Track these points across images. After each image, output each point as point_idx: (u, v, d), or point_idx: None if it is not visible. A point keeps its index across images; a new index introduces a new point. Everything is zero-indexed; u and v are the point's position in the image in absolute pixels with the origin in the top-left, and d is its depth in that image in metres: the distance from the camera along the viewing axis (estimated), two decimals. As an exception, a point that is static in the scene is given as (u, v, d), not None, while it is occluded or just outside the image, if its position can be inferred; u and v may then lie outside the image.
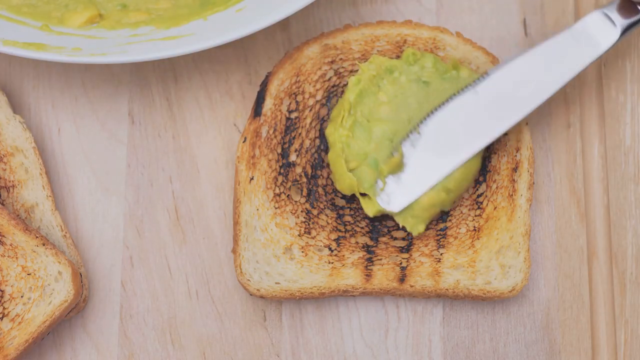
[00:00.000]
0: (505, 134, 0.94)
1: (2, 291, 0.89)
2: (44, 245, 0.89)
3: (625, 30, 0.92)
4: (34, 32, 0.93)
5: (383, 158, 0.91)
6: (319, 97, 0.96)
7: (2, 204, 0.92)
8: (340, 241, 0.93)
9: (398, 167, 0.90)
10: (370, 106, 0.92)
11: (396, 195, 0.91)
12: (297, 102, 0.95)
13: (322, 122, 0.95)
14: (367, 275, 0.91)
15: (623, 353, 0.93)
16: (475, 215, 0.93)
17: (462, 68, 0.94)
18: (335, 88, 0.96)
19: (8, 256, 0.89)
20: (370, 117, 0.92)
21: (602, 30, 0.92)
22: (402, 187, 0.91)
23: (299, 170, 0.94)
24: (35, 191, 0.93)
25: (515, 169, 0.94)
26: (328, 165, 0.94)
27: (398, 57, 0.96)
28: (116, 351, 0.93)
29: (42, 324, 0.87)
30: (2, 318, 0.88)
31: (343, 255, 0.92)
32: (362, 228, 0.93)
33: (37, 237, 0.89)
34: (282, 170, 0.94)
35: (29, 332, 0.87)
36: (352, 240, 0.93)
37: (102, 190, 0.96)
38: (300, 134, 0.95)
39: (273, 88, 0.95)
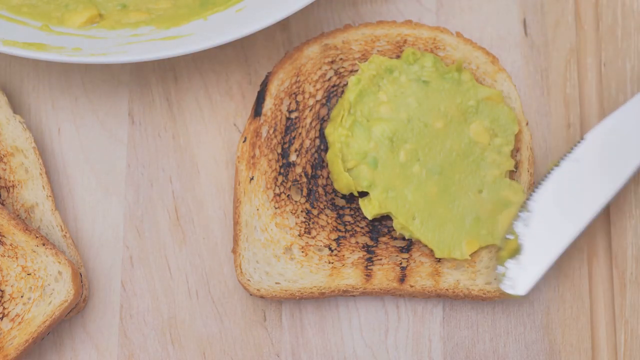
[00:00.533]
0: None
1: (2, 291, 0.89)
2: (44, 245, 0.89)
3: None
4: (34, 32, 0.93)
5: (382, 157, 0.91)
6: (319, 97, 0.96)
7: (2, 204, 0.92)
8: (340, 241, 0.93)
9: (516, 251, 0.90)
10: (370, 106, 0.92)
11: (520, 278, 0.89)
12: (297, 102, 0.95)
13: (322, 122, 0.95)
14: (367, 275, 0.91)
15: (623, 353, 0.93)
16: (475, 215, 0.93)
17: (465, 71, 0.94)
18: (335, 88, 0.96)
19: (8, 256, 0.89)
20: (369, 116, 0.92)
21: None
22: (524, 269, 0.89)
23: (299, 170, 0.94)
24: (35, 191, 0.93)
25: (515, 169, 0.94)
26: (328, 165, 0.94)
27: (398, 57, 0.96)
28: (116, 351, 0.93)
29: (42, 324, 0.87)
30: (2, 318, 0.88)
31: (343, 255, 0.92)
32: (362, 228, 0.93)
33: (37, 237, 0.89)
34: (282, 170, 0.94)
35: (29, 332, 0.87)
36: (352, 240, 0.93)
37: (102, 190, 0.96)
38: (300, 134, 0.95)
39: (273, 88, 0.95)
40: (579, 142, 0.92)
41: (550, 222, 0.90)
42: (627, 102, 0.92)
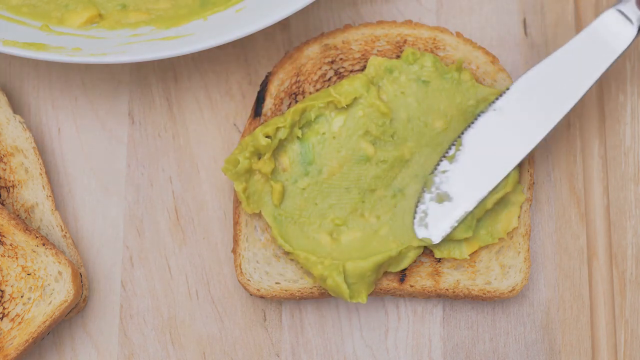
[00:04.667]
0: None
1: (2, 291, 0.89)
2: (44, 245, 0.89)
3: None
4: (34, 32, 0.93)
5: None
6: (319, 97, 0.96)
7: (2, 204, 0.92)
8: (340, 241, 0.93)
9: (443, 197, 0.90)
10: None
11: (438, 224, 0.90)
12: (297, 102, 0.95)
13: (322, 122, 0.95)
14: (367, 275, 0.91)
15: (623, 353, 0.93)
16: (475, 215, 0.93)
17: (465, 71, 0.94)
18: (335, 88, 0.96)
19: (8, 256, 0.89)
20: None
21: (618, 28, 0.91)
22: (445, 216, 0.90)
23: (299, 170, 0.94)
24: (35, 191, 0.93)
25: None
26: (328, 165, 0.94)
27: (398, 57, 0.96)
28: (116, 351, 0.93)
29: (42, 324, 0.87)
30: (2, 318, 0.88)
31: (343, 255, 0.92)
32: (362, 228, 0.94)
33: (37, 237, 0.89)
34: (282, 170, 0.94)
35: (29, 332, 0.87)
36: (352, 240, 0.93)
37: (102, 190, 0.96)
38: (300, 134, 0.95)
39: (273, 88, 0.95)
40: (503, 92, 0.92)
41: (473, 174, 0.90)
42: (553, 54, 0.92)
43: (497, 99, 0.92)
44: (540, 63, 0.91)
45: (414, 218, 0.90)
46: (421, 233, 0.90)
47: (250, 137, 0.90)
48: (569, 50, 0.91)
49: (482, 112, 0.92)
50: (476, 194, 0.90)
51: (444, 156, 0.91)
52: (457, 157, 0.90)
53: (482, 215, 0.91)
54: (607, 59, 0.91)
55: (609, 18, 0.91)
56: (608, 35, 0.91)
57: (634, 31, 0.91)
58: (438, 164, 0.91)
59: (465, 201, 0.90)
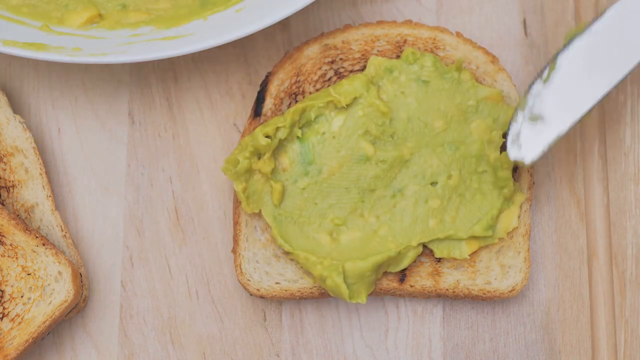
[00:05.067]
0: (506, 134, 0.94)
1: (2, 291, 0.89)
2: (44, 245, 0.89)
3: None
4: (34, 32, 0.93)
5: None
6: (319, 97, 0.96)
7: (2, 204, 0.92)
8: (340, 241, 0.93)
9: (537, 117, 0.89)
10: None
11: (530, 145, 0.88)
12: (297, 102, 0.95)
13: (322, 122, 0.95)
14: (367, 275, 0.91)
15: (623, 353, 0.93)
16: (475, 215, 0.93)
17: (465, 71, 0.94)
18: (335, 88, 0.96)
19: (8, 256, 0.89)
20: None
21: None
22: (538, 135, 0.88)
23: (299, 170, 0.94)
24: (35, 191, 0.93)
25: (515, 169, 0.94)
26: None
27: (398, 57, 0.96)
28: (116, 351, 0.93)
29: (42, 324, 0.87)
30: (2, 318, 0.88)
31: (343, 255, 0.92)
32: (362, 228, 0.94)
33: (37, 237, 0.89)
34: (282, 170, 0.94)
35: (29, 332, 0.87)
36: (352, 240, 0.93)
37: (102, 190, 0.96)
38: (300, 134, 0.95)
39: (273, 88, 0.95)
40: (600, 16, 0.90)
41: (567, 96, 0.89)
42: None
43: (593, 22, 0.90)
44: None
45: (506, 139, 0.89)
46: (514, 153, 0.89)
47: (250, 137, 0.90)
48: None
49: (578, 34, 0.90)
50: (570, 115, 0.88)
51: (539, 77, 0.89)
52: (551, 78, 0.89)
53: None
54: None
55: None
56: None
57: None
58: (531, 86, 0.89)
59: (558, 122, 0.88)
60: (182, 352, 0.93)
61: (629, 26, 0.89)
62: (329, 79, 0.95)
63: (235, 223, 0.92)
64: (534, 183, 0.94)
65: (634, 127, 0.98)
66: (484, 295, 0.91)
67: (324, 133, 0.92)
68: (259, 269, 0.91)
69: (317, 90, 0.95)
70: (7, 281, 0.89)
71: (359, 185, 0.91)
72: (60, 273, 0.88)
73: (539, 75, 0.89)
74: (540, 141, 0.89)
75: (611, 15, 0.90)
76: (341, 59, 0.96)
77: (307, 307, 0.94)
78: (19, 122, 0.94)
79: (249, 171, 0.91)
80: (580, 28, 0.90)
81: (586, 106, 0.89)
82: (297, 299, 0.93)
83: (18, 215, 0.92)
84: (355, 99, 0.91)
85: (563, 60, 0.90)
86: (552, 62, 0.90)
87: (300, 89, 0.95)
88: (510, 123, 0.89)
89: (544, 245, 0.95)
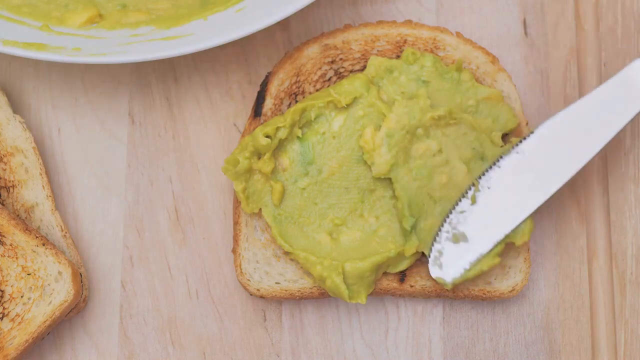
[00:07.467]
0: (506, 134, 0.94)
1: (2, 291, 0.89)
2: (44, 245, 0.89)
3: None
4: (34, 32, 0.93)
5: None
6: (319, 97, 0.96)
7: (2, 204, 0.92)
8: (340, 241, 0.93)
9: (460, 237, 0.89)
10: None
11: (452, 266, 0.89)
12: (297, 102, 0.95)
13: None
14: (367, 275, 0.91)
15: (623, 353, 0.93)
16: (475, 215, 0.93)
17: (464, 71, 0.94)
18: (335, 88, 0.96)
19: (8, 256, 0.89)
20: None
21: None
22: (460, 257, 0.89)
23: (299, 170, 0.94)
24: (35, 191, 0.93)
25: (515, 169, 0.94)
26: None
27: (398, 57, 0.96)
28: (116, 351, 0.93)
29: (42, 324, 0.87)
30: (2, 318, 0.88)
31: (343, 255, 0.92)
32: (362, 228, 0.94)
33: (37, 237, 0.89)
34: (282, 170, 0.94)
35: (29, 332, 0.87)
36: (352, 240, 0.93)
37: (102, 190, 0.96)
38: (300, 134, 0.95)
39: (273, 88, 0.95)
40: (528, 135, 0.91)
41: (492, 216, 0.89)
42: (581, 99, 0.91)
43: (520, 142, 0.91)
44: (567, 108, 0.90)
45: (429, 257, 0.89)
46: (435, 272, 0.89)
47: (250, 137, 0.90)
48: (595, 97, 0.90)
49: (504, 154, 0.91)
50: (493, 236, 0.89)
51: (464, 196, 0.90)
52: (477, 198, 0.90)
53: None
54: (634, 107, 0.90)
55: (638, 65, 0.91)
56: (637, 82, 0.90)
57: None
58: (457, 204, 0.90)
59: (481, 243, 0.89)
60: (182, 352, 0.93)
61: (556, 145, 0.90)
62: (329, 79, 0.95)
63: (235, 223, 0.92)
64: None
65: (634, 127, 0.98)
66: (484, 296, 0.91)
67: (324, 133, 0.92)
68: (259, 269, 0.91)
69: (317, 90, 0.95)
70: (7, 281, 0.89)
71: (359, 186, 0.91)
72: (60, 273, 0.88)
73: (464, 194, 0.90)
74: (461, 261, 0.89)
75: (538, 135, 0.90)
76: (341, 59, 0.96)
77: (307, 307, 0.94)
78: (19, 122, 0.94)
79: (249, 171, 0.91)
80: (507, 148, 0.91)
81: (510, 227, 0.89)
82: (297, 299, 0.93)
83: (18, 215, 0.92)
84: (355, 99, 0.91)
85: (488, 180, 0.90)
86: (475, 181, 0.90)
87: (300, 89, 0.95)
88: (432, 243, 0.89)
89: (544, 245, 0.95)
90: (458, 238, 0.89)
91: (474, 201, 0.89)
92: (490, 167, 0.90)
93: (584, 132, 0.90)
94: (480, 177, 0.90)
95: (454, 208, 0.89)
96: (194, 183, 0.96)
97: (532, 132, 0.91)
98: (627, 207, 0.96)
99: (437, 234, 0.89)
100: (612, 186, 0.97)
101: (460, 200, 0.90)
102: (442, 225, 0.89)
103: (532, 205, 0.89)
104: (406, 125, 0.90)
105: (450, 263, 0.89)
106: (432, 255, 0.89)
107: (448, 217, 0.89)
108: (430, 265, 0.89)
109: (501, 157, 0.90)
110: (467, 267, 0.89)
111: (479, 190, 0.90)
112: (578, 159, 0.90)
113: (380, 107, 0.91)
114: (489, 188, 0.89)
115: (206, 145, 0.97)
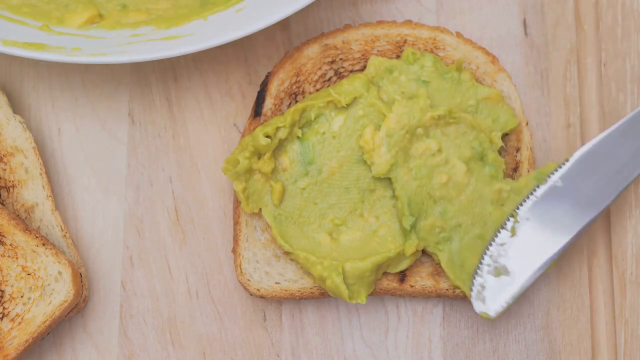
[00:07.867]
0: (506, 134, 0.94)
1: (2, 291, 0.89)
2: (44, 245, 0.89)
3: None
4: (34, 32, 0.93)
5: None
6: (319, 97, 0.96)
7: (2, 204, 0.92)
8: (340, 241, 0.93)
9: (502, 270, 0.89)
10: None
11: (495, 298, 0.89)
12: (297, 102, 0.95)
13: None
14: (367, 275, 0.91)
15: (623, 353, 0.93)
16: (475, 215, 0.93)
17: (464, 71, 0.94)
18: (335, 88, 0.96)
19: (8, 256, 0.89)
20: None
21: None
22: (502, 290, 0.88)
23: (299, 170, 0.94)
24: (35, 191, 0.93)
25: (515, 169, 0.94)
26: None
27: (398, 57, 0.96)
28: (116, 351, 0.93)
29: (42, 324, 0.87)
30: (2, 318, 0.88)
31: (343, 255, 0.92)
32: (362, 228, 0.93)
33: (37, 237, 0.89)
34: (282, 170, 0.94)
35: (29, 332, 0.87)
36: (352, 240, 0.93)
37: (102, 190, 0.96)
38: (300, 134, 0.95)
39: (273, 88, 0.95)
40: (562, 164, 0.91)
41: (531, 248, 0.89)
42: (610, 128, 0.91)
43: (555, 171, 0.91)
44: (600, 136, 0.91)
45: (471, 290, 0.89)
46: (478, 307, 0.89)
47: (250, 137, 0.90)
48: (630, 123, 0.91)
49: (540, 184, 0.90)
50: (534, 269, 0.89)
51: (503, 227, 0.89)
52: (516, 229, 0.89)
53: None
54: None
55: None
56: None
57: None
58: (496, 235, 0.89)
59: (522, 276, 0.89)
60: (182, 352, 0.93)
61: (592, 174, 0.90)
62: (329, 79, 0.95)
63: (235, 223, 0.92)
64: (534, 183, 0.94)
65: (634, 127, 0.98)
66: (484, 295, 0.91)
67: (324, 133, 0.92)
68: (259, 269, 0.91)
69: (317, 90, 0.95)
70: (7, 281, 0.89)
71: (359, 186, 0.91)
72: (60, 273, 0.88)
73: (503, 225, 0.90)
74: (504, 295, 0.89)
75: (573, 163, 0.90)
76: (341, 59, 0.96)
77: (307, 307, 0.94)
78: (19, 122, 0.94)
79: (249, 171, 0.91)
80: (542, 175, 0.91)
81: (549, 259, 0.89)
82: (297, 299, 0.93)
83: (18, 215, 0.92)
84: (355, 98, 0.91)
85: (526, 211, 0.90)
86: (514, 213, 0.90)
87: (300, 89, 0.95)
88: (473, 276, 0.89)
89: (544, 245, 0.95)
90: (499, 272, 0.89)
91: (513, 233, 0.89)
92: (528, 197, 0.90)
93: (619, 158, 0.90)
94: (518, 208, 0.90)
95: (493, 240, 0.89)
96: (194, 183, 0.96)
97: (567, 160, 0.91)
98: (627, 207, 0.96)
99: (478, 267, 0.89)
100: (612, 186, 0.97)
101: (499, 232, 0.89)
102: (483, 258, 0.89)
103: (569, 235, 0.89)
104: (406, 125, 0.90)
105: (492, 297, 0.88)
106: (474, 289, 0.89)
107: (488, 249, 0.89)
108: (473, 300, 0.89)
109: (537, 187, 0.90)
110: (510, 301, 0.88)
111: (517, 222, 0.89)
112: (614, 185, 0.90)
113: (380, 107, 0.91)
114: (527, 219, 0.89)
115: (206, 145, 0.97)
